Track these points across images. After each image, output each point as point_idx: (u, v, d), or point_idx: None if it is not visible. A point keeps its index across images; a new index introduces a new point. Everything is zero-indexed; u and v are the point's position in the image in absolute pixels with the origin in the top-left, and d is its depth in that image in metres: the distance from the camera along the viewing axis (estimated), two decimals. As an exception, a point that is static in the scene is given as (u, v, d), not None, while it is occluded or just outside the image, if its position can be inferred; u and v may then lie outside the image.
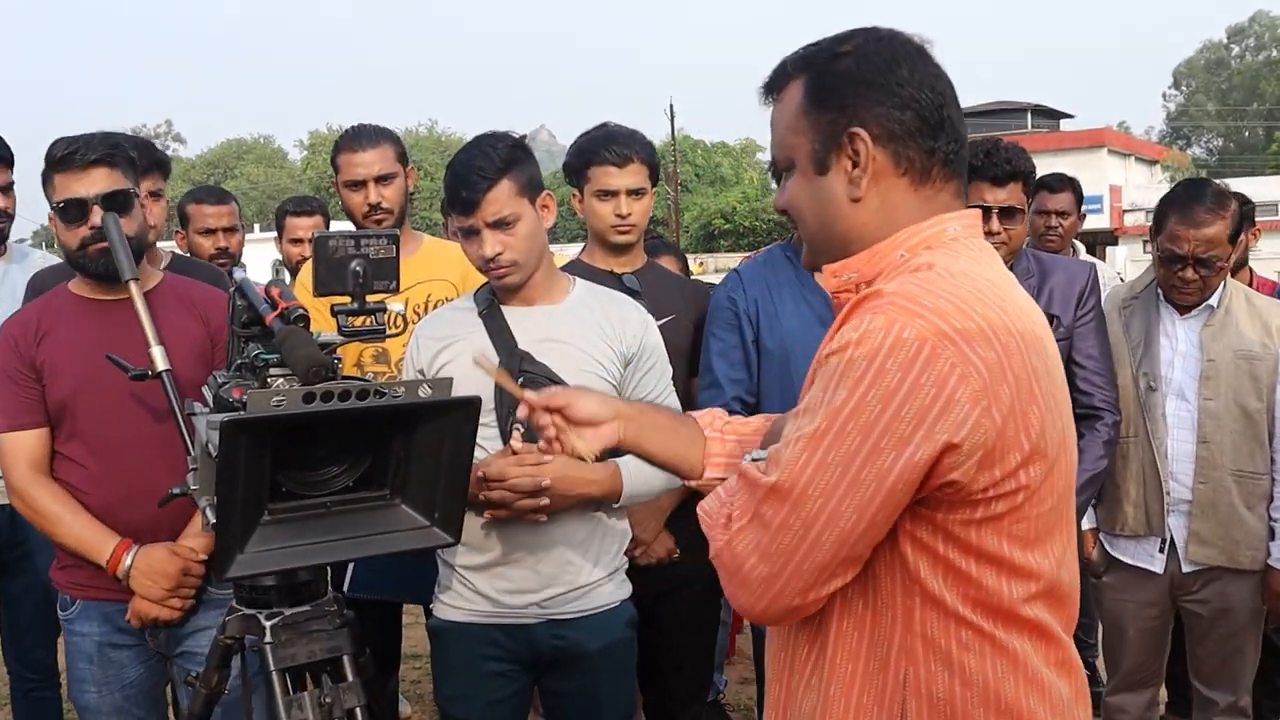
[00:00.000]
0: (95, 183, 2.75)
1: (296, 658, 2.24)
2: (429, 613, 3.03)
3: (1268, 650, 4.22)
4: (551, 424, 1.85)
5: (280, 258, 5.27)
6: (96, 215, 2.71)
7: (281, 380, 2.15)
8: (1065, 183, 4.95)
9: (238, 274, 2.36)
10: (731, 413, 2.95)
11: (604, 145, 3.25)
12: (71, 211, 2.75)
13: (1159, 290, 3.47)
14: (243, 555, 2.00)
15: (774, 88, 1.66)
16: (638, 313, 2.83)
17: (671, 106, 51.28)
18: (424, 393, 2.03)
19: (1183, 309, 3.43)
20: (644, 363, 2.77)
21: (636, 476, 2.66)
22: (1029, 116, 57.51)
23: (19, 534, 3.69)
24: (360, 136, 3.57)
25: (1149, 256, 3.64)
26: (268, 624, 2.24)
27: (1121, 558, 3.53)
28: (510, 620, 2.64)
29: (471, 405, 2.09)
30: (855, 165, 1.56)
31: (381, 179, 3.52)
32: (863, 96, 1.55)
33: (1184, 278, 3.33)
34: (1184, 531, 3.40)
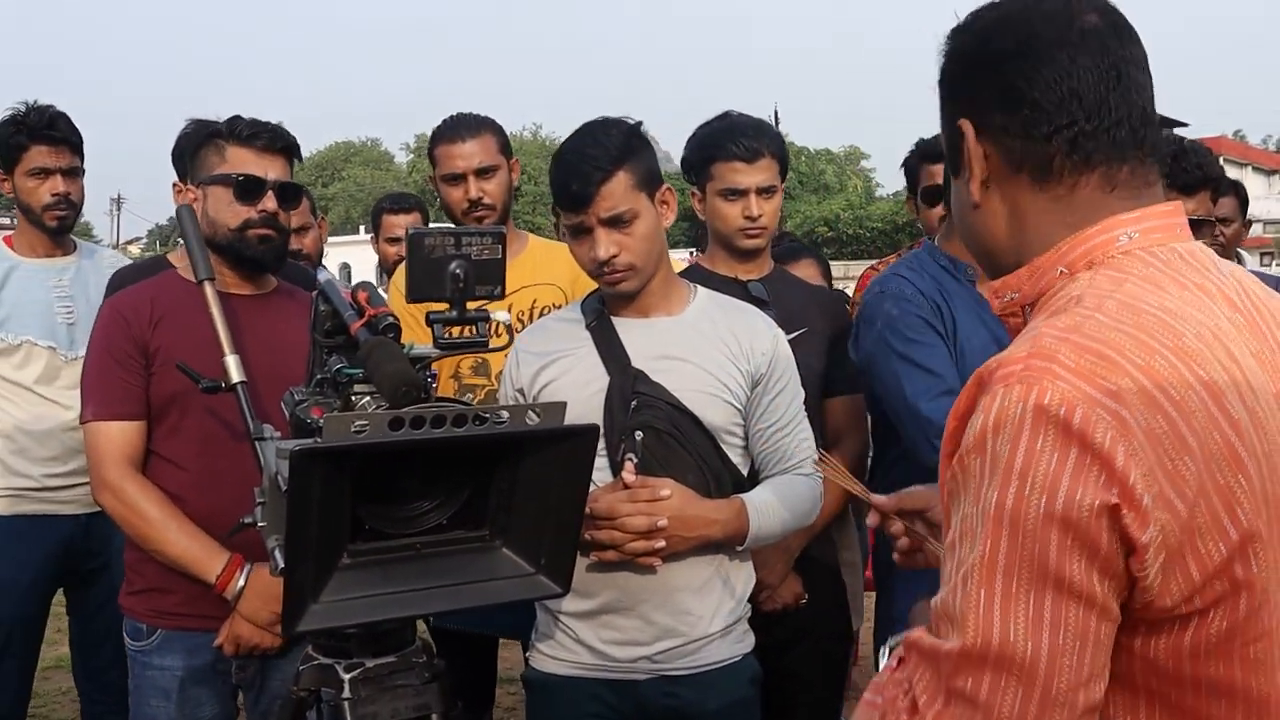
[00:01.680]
0: (275, 168, 2.59)
1: (378, 716, 1.94)
2: (525, 645, 2.74)
3: None
4: (906, 531, 1.53)
5: (378, 259, 5.02)
6: (271, 200, 2.56)
7: (367, 400, 1.86)
8: (1229, 187, 4.49)
9: (322, 276, 2.09)
10: None
11: (730, 138, 2.90)
12: (248, 187, 2.55)
13: None
14: (317, 605, 1.69)
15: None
16: (768, 326, 2.49)
17: (776, 112, 50.77)
18: (532, 419, 1.72)
19: None
20: (774, 384, 2.43)
21: (764, 515, 2.34)
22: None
23: (96, 543, 3.48)
24: (459, 126, 3.29)
25: (1273, 270, 3.12)
26: (346, 677, 1.95)
27: None
28: (617, 675, 2.32)
29: (588, 435, 1.77)
30: (968, 165, 1.32)
31: (482, 172, 3.24)
32: (968, 81, 1.33)
33: None
34: None
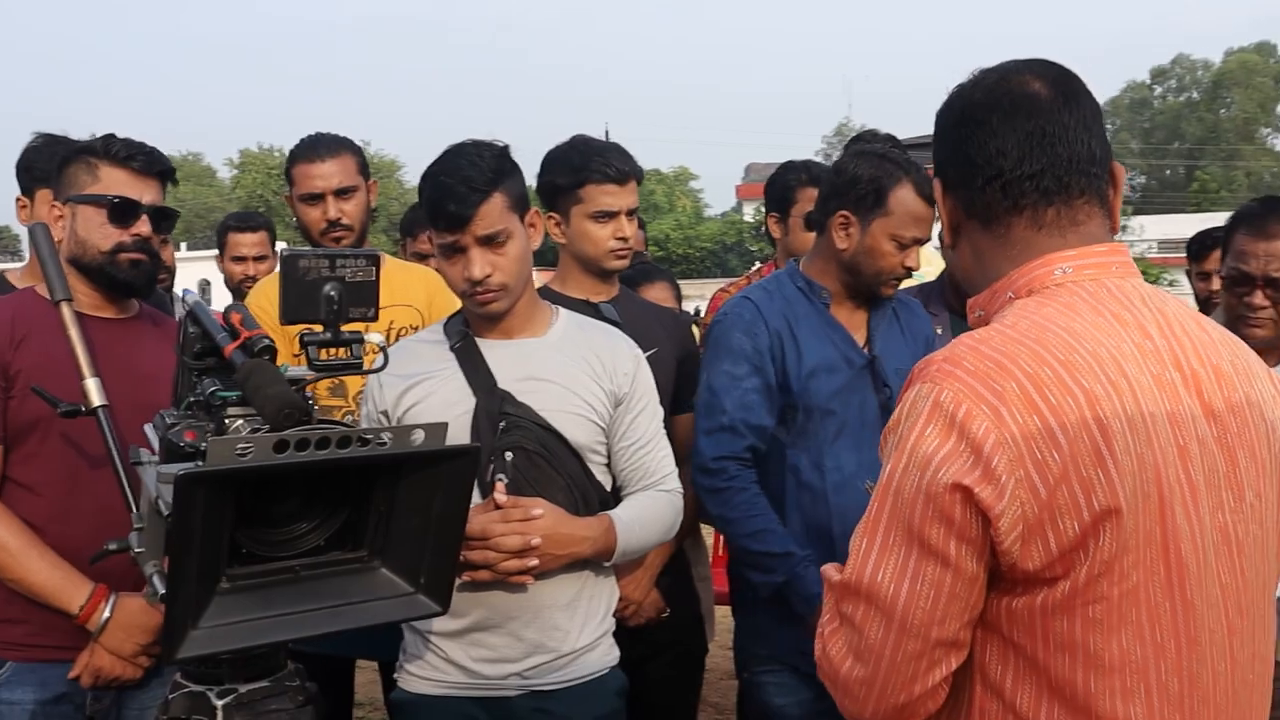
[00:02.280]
0: (150, 192, 2.53)
1: (253, 742, 1.92)
2: (385, 666, 2.72)
3: None
4: None
5: (223, 277, 4.92)
6: (146, 224, 2.50)
7: (242, 422, 1.84)
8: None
9: (189, 297, 2.04)
10: (743, 461, 2.69)
11: (601, 160, 2.91)
12: (123, 210, 2.49)
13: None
14: (197, 631, 1.67)
15: None
16: (629, 346, 2.55)
17: (607, 133, 51.17)
18: (416, 439, 1.73)
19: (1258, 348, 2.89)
20: (636, 403, 2.49)
21: (630, 530, 2.39)
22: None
23: None
24: (318, 146, 3.26)
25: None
26: (219, 703, 1.90)
27: None
28: (488, 693, 2.35)
29: (470, 455, 1.80)
30: (941, 213, 1.64)
31: (342, 192, 3.22)
32: (938, 148, 1.62)
33: (1252, 303, 2.86)
34: None
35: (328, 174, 3.24)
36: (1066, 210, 1.51)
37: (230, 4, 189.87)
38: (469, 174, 2.28)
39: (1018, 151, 1.50)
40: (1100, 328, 1.41)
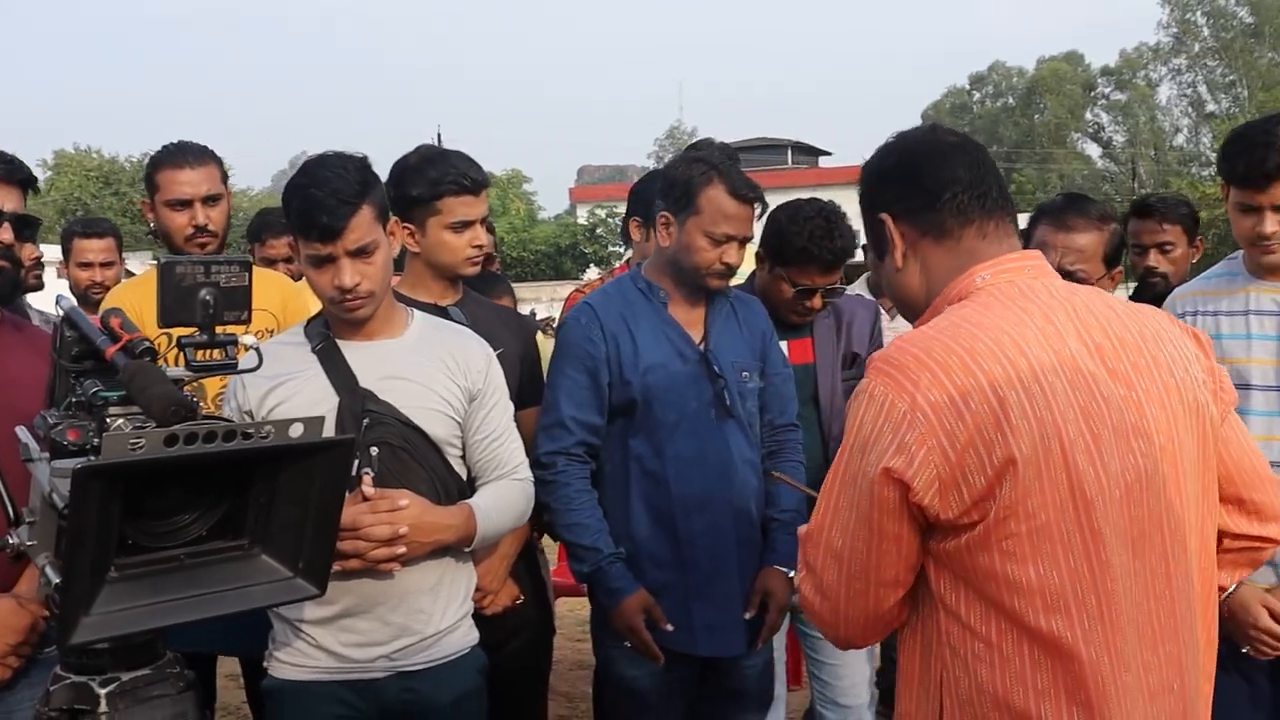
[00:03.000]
0: (11, 200, 2.59)
1: (138, 727, 2.01)
2: (247, 663, 2.80)
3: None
4: None
5: (68, 283, 4.88)
6: (8, 232, 2.50)
7: (123, 420, 1.93)
8: None
9: (65, 302, 2.13)
10: (572, 456, 2.90)
11: (458, 174, 3.03)
12: None
13: None
14: (89, 618, 1.77)
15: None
16: (481, 346, 2.71)
17: (439, 136, 50.83)
18: (295, 433, 1.86)
19: None
20: (489, 399, 2.65)
21: (489, 517, 2.56)
22: (789, 153, 59.61)
23: None
24: (185, 153, 3.34)
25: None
26: (102, 692, 1.98)
27: None
28: (357, 675, 2.48)
29: (346, 446, 1.93)
30: (892, 243, 1.90)
31: (208, 200, 3.30)
32: (883, 191, 1.94)
33: None
34: None
35: (195, 181, 3.31)
36: (1002, 224, 1.88)
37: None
38: (337, 186, 2.39)
39: (967, 176, 1.86)
40: (1006, 319, 1.72)
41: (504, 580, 3.03)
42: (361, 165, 2.48)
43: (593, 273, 45.44)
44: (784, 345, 3.34)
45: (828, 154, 63.97)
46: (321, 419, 1.91)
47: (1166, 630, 1.70)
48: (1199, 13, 72.54)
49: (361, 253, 2.43)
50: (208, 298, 2.04)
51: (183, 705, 2.07)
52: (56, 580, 1.74)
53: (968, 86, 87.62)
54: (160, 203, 3.34)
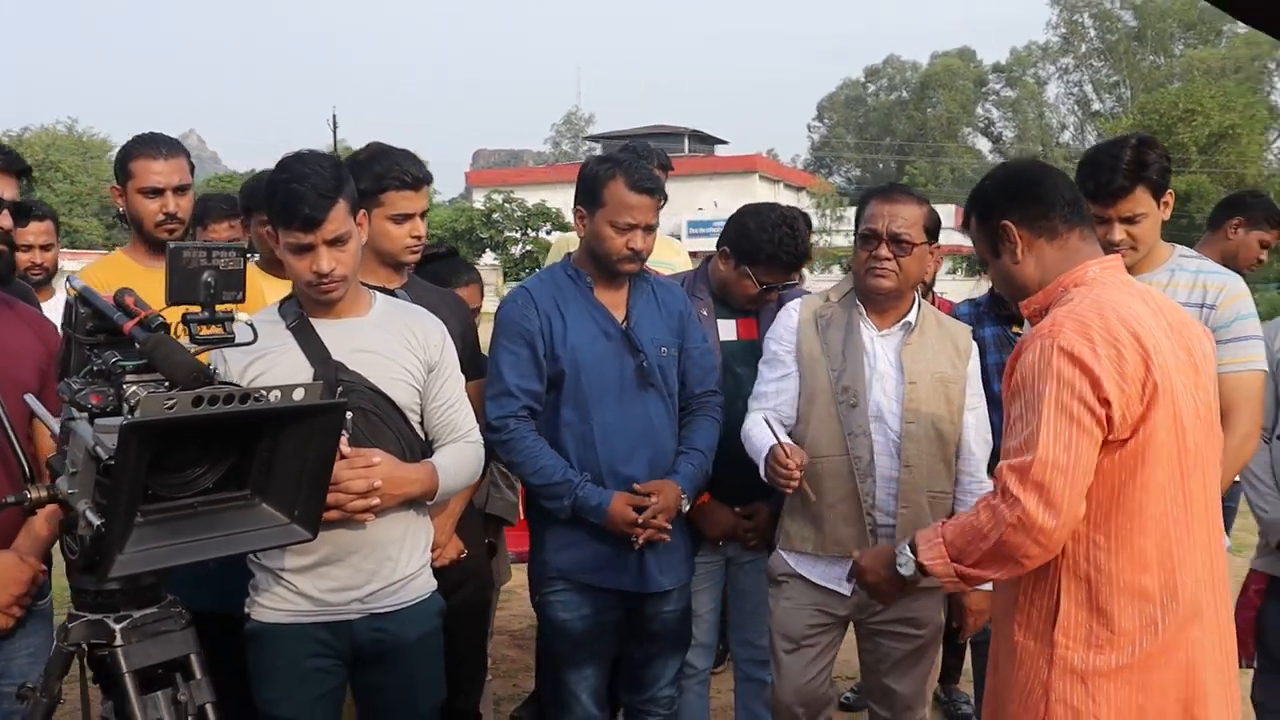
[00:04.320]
0: (10, 188, 2.77)
1: (150, 658, 2.28)
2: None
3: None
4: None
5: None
6: (7, 219, 2.72)
7: (138, 387, 2.21)
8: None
9: (77, 282, 2.39)
10: (520, 418, 3.23)
11: (400, 170, 3.32)
12: None
13: (857, 300, 3.44)
14: (122, 556, 2.06)
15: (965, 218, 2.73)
16: (435, 323, 3.01)
17: (335, 117, 50.43)
18: (298, 396, 2.15)
19: (879, 303, 3.38)
20: (444, 370, 2.96)
21: (448, 474, 2.87)
22: (686, 141, 60.20)
23: None
24: (159, 144, 3.59)
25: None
26: (117, 627, 2.26)
27: (810, 576, 3.43)
28: (333, 617, 2.76)
29: (340, 409, 2.23)
30: (1013, 242, 2.56)
31: (179, 189, 3.55)
32: (1006, 203, 2.57)
33: (879, 255, 3.29)
34: None
35: (169, 171, 3.55)
36: (1090, 230, 2.57)
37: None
38: (316, 182, 2.66)
39: (1069, 194, 2.56)
40: (1122, 299, 2.38)
41: (450, 535, 3.34)
42: (335, 163, 2.77)
43: (489, 258, 45.40)
44: (733, 324, 3.74)
45: (724, 143, 64.77)
46: (320, 384, 2.22)
47: (1210, 521, 2.45)
48: (1086, 14, 74.69)
49: (337, 242, 2.71)
50: (209, 279, 2.33)
51: (187, 640, 2.36)
52: (98, 522, 2.01)
53: (863, 79, 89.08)
54: (133, 190, 3.57)
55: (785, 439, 3.24)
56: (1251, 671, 3.96)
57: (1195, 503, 2.40)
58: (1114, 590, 2.33)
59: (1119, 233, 3.19)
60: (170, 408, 1.97)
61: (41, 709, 2.35)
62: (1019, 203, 2.55)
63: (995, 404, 4.12)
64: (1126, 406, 2.27)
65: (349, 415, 2.71)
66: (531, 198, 47.70)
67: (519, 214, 47.04)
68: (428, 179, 3.43)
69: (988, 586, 3.26)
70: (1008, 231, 2.54)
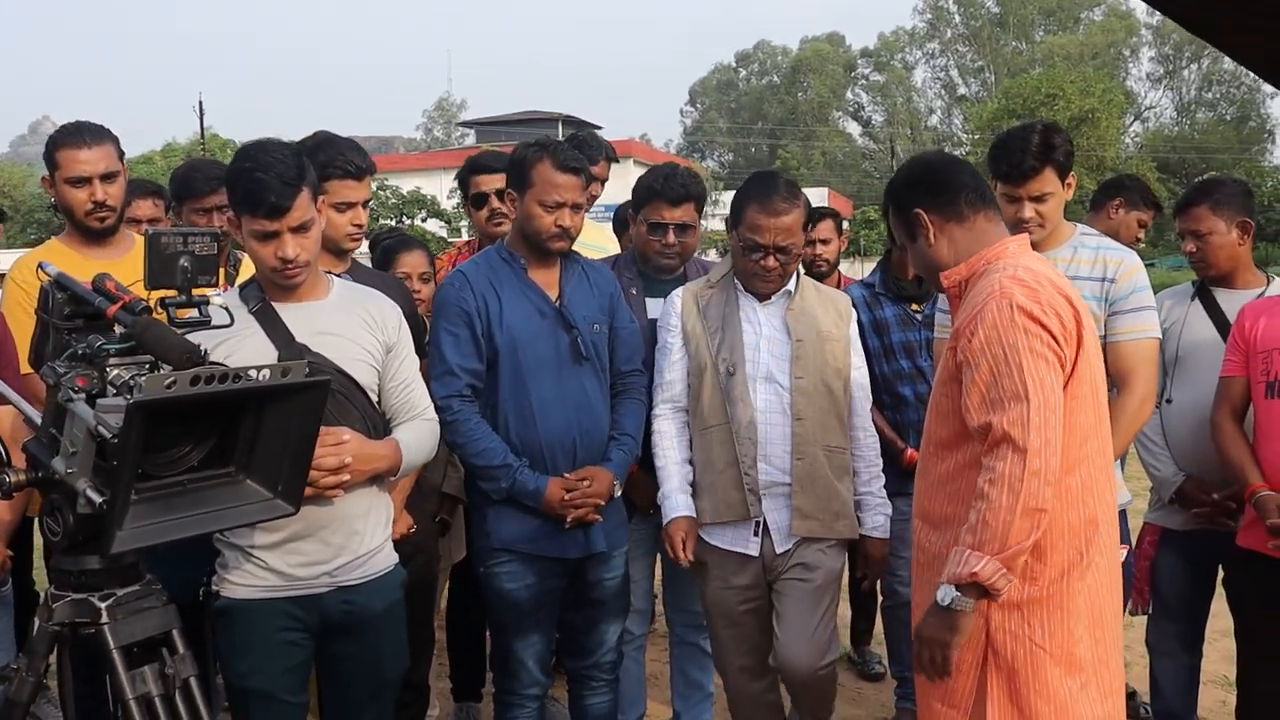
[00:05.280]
0: None
1: (135, 634, 2.35)
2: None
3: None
4: None
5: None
6: None
7: (120, 370, 2.27)
8: (824, 214, 5.47)
9: (51, 269, 2.43)
10: (464, 397, 3.34)
11: (344, 160, 3.41)
12: None
13: (736, 280, 3.67)
14: (122, 532, 2.12)
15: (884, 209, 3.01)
16: (392, 306, 3.09)
17: (201, 103, 49.25)
18: (285, 375, 2.24)
19: (763, 296, 3.63)
20: (401, 350, 3.05)
21: (410, 450, 2.98)
22: (560, 127, 60.05)
23: None
24: (84, 133, 3.58)
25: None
26: (102, 605, 2.32)
27: (719, 544, 3.62)
28: (302, 592, 2.84)
29: (323, 386, 2.32)
30: (925, 228, 2.84)
31: (107, 177, 3.55)
32: (914, 193, 2.87)
33: (766, 266, 3.53)
34: (782, 512, 3.55)
35: (94, 159, 3.55)
36: (995, 211, 2.86)
37: None
38: (280, 170, 2.72)
39: (973, 181, 2.84)
40: (1046, 268, 2.73)
41: (401, 511, 3.43)
42: (296, 151, 2.84)
43: (364, 248, 44.73)
44: (661, 303, 3.86)
45: (598, 128, 64.73)
46: (305, 363, 2.30)
47: (1111, 463, 2.80)
48: (951, 1, 76.45)
49: (301, 229, 2.78)
50: (186, 264, 2.40)
51: (168, 615, 2.43)
52: (99, 499, 2.07)
53: (734, 64, 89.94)
54: (61, 180, 3.57)
55: (685, 509, 3.62)
56: (1146, 617, 4.26)
57: (1106, 446, 2.74)
58: (1047, 527, 2.54)
59: (1029, 210, 3.44)
60: (171, 387, 2.04)
61: (28, 688, 2.40)
62: (929, 192, 2.83)
63: (910, 378, 4.37)
64: (1068, 356, 2.57)
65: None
66: (406, 185, 47.20)
67: (393, 201, 46.52)
68: (371, 169, 3.52)
69: (883, 534, 3.64)
70: (920, 219, 2.83)
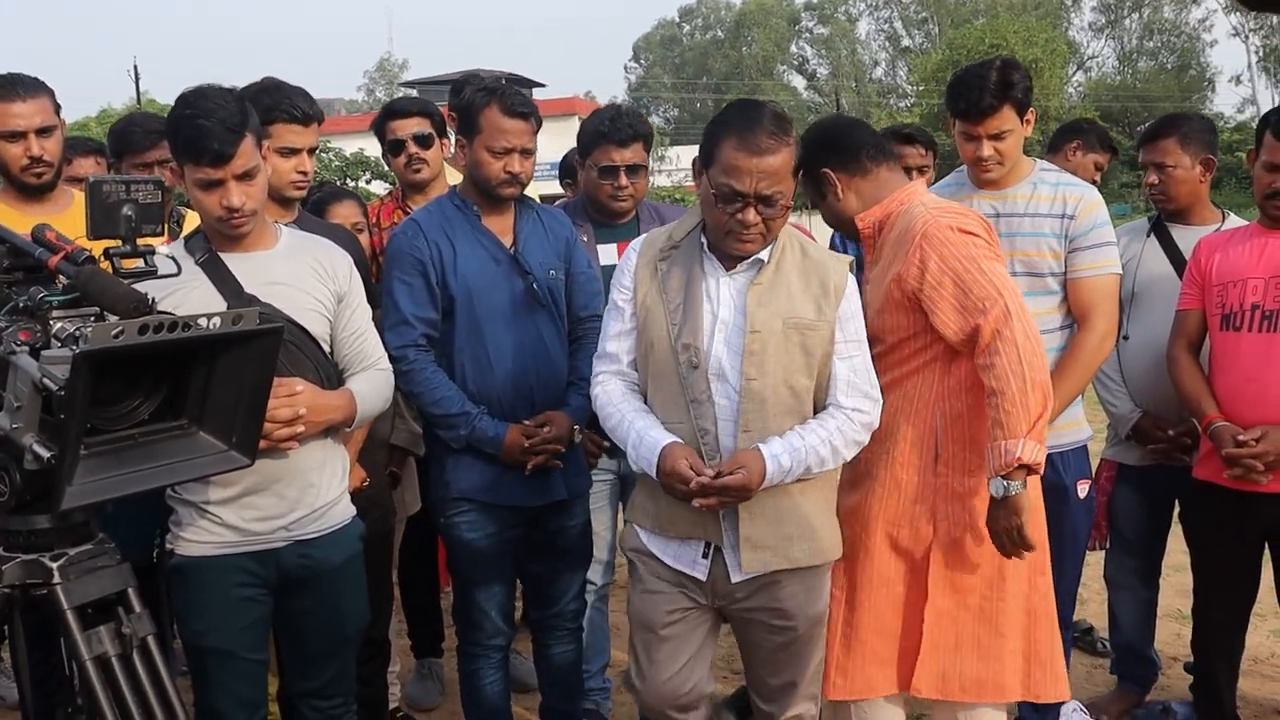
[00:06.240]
0: None
1: (89, 594, 2.29)
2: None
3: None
4: None
5: None
6: None
7: (65, 322, 2.20)
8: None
9: (-27, 221, 2.34)
10: (419, 347, 3.28)
11: (290, 104, 3.35)
12: None
13: (703, 239, 2.88)
14: (72, 488, 2.06)
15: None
16: (343, 255, 3.03)
17: (136, 68, 48.40)
18: (237, 323, 2.18)
19: (732, 261, 2.84)
20: (353, 299, 2.99)
21: (365, 400, 2.93)
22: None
23: None
24: (16, 85, 3.44)
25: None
26: (54, 565, 2.26)
27: (662, 557, 2.93)
28: (259, 547, 2.78)
29: (277, 333, 2.26)
30: (834, 185, 3.09)
31: (42, 131, 3.43)
32: (822, 154, 3.07)
33: (745, 220, 2.71)
34: (733, 535, 2.82)
35: (29, 113, 3.42)
36: (895, 163, 3.13)
37: None
38: (223, 117, 2.63)
39: (871, 138, 3.11)
40: (952, 203, 3.07)
41: (354, 464, 3.37)
42: (239, 97, 2.75)
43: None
44: (613, 248, 3.83)
45: (542, 85, 64.29)
46: (256, 310, 2.24)
47: None
48: (893, -50, 76.37)
49: (246, 176, 2.70)
50: (130, 213, 2.32)
51: (123, 574, 2.38)
52: (46, 454, 2.01)
53: (677, 19, 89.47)
54: None
55: (670, 437, 2.80)
56: (1104, 552, 4.30)
57: None
58: (981, 423, 2.85)
59: (987, 149, 3.40)
60: (118, 336, 1.97)
61: (-14, 652, 2.34)
62: (832, 152, 3.05)
63: None
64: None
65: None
66: (348, 147, 46.69)
67: (336, 164, 46.01)
68: (318, 117, 3.44)
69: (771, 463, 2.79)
70: (828, 177, 3.06)
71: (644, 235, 3.06)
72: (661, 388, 2.86)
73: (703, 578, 2.88)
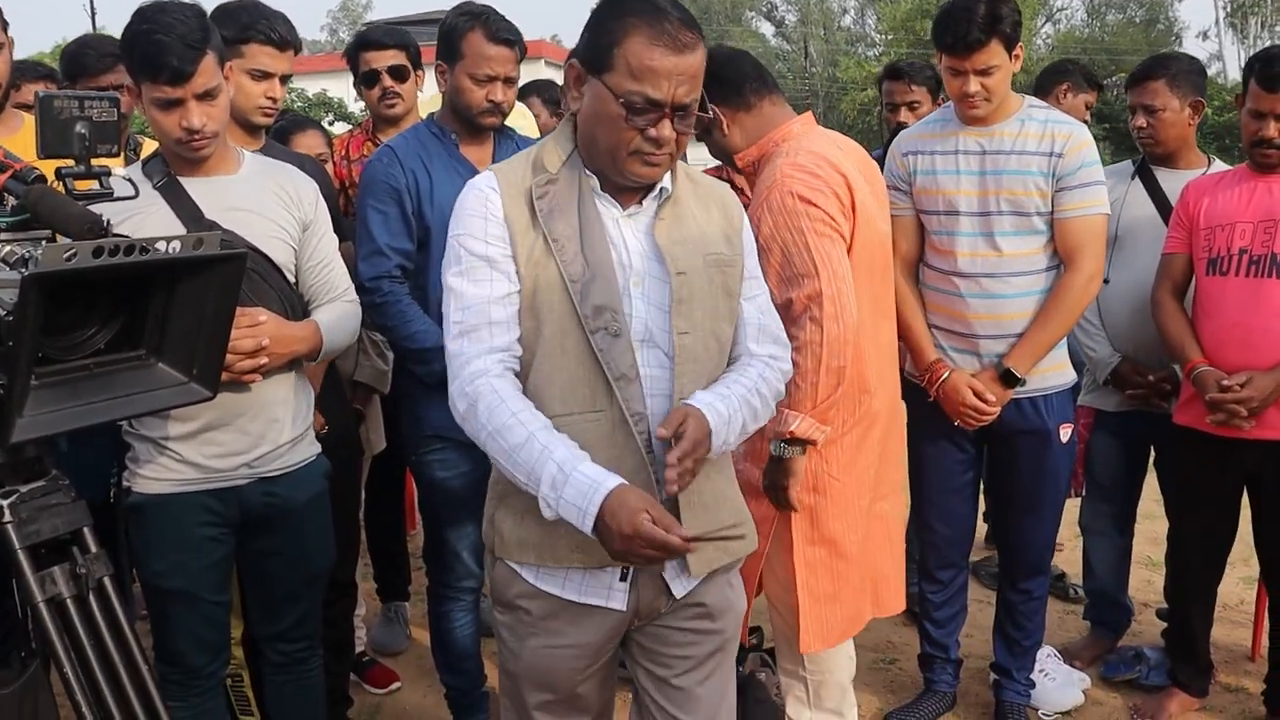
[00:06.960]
0: None
1: (42, 533, 2.17)
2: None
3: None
4: None
5: None
6: None
7: (13, 246, 2.07)
8: None
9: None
10: (394, 278, 3.16)
11: (267, 25, 3.20)
12: None
13: (585, 170, 2.20)
14: (21, 419, 1.95)
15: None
16: (308, 181, 2.90)
17: (92, 3, 47.34)
18: (198, 247, 2.06)
19: (628, 195, 2.21)
20: (318, 227, 2.87)
21: (331, 331, 2.82)
22: (471, 28, 58.77)
23: None
24: None
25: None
26: (4, 503, 2.13)
27: (562, 594, 2.22)
28: (221, 484, 2.68)
29: (240, 258, 2.14)
30: (718, 120, 3.03)
31: None
32: (709, 90, 2.62)
33: (660, 137, 2.08)
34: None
35: None
36: (779, 97, 3.06)
37: None
38: (182, 32, 2.49)
39: (754, 70, 3.06)
40: (826, 147, 2.91)
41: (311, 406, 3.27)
42: (200, 12, 2.60)
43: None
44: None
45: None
46: (219, 234, 2.12)
47: (892, 322, 3.21)
48: (863, -107, 75.67)
49: (207, 95, 2.56)
50: (83, 131, 2.19)
51: (78, 512, 2.25)
52: (-4, 383, 1.89)
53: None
54: None
55: (609, 476, 2.02)
56: (1080, 500, 4.27)
57: (882, 302, 3.09)
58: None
59: (974, 85, 3.29)
60: (71, 259, 1.85)
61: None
62: (716, 85, 2.85)
63: None
64: (846, 230, 2.83)
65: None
66: (311, 87, 46.02)
67: (299, 104, 45.36)
68: (296, 44, 3.31)
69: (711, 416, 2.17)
70: (713, 112, 3.00)
71: (493, 166, 2.30)
72: (560, 370, 2.12)
73: (622, 608, 2.23)
